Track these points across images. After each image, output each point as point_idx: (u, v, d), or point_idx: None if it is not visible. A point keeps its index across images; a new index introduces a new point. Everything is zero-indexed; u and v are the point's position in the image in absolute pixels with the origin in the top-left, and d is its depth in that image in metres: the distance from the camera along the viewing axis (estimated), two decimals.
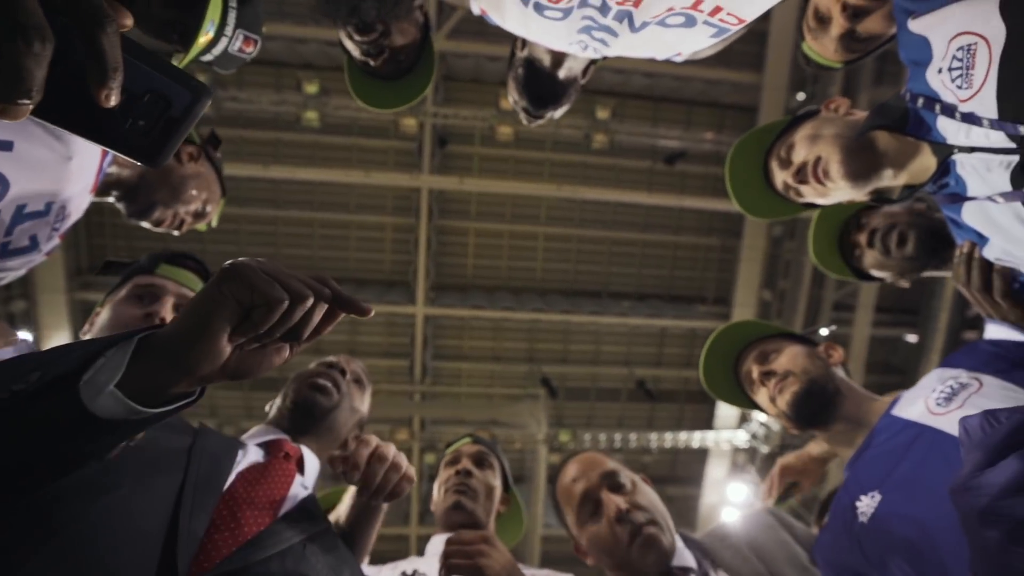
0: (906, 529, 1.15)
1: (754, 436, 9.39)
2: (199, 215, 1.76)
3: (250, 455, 1.17)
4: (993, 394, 1.22)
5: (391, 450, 1.22)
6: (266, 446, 1.24)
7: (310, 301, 0.69)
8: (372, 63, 1.61)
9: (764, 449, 9.23)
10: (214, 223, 1.89)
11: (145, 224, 1.71)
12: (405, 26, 1.56)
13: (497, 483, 1.88)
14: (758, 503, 1.94)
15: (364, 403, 1.59)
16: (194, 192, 1.72)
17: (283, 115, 7.92)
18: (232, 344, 0.69)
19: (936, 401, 1.28)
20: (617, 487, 1.52)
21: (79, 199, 1.35)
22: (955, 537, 0.85)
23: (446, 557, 1.31)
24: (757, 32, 7.40)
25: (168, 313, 1.35)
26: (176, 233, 1.79)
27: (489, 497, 1.82)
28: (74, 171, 1.24)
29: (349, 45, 1.60)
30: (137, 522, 0.87)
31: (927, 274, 1.87)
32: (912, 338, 9.11)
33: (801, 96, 8.00)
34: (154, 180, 1.63)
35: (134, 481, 0.88)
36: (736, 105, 8.51)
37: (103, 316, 1.38)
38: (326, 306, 0.71)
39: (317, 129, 8.07)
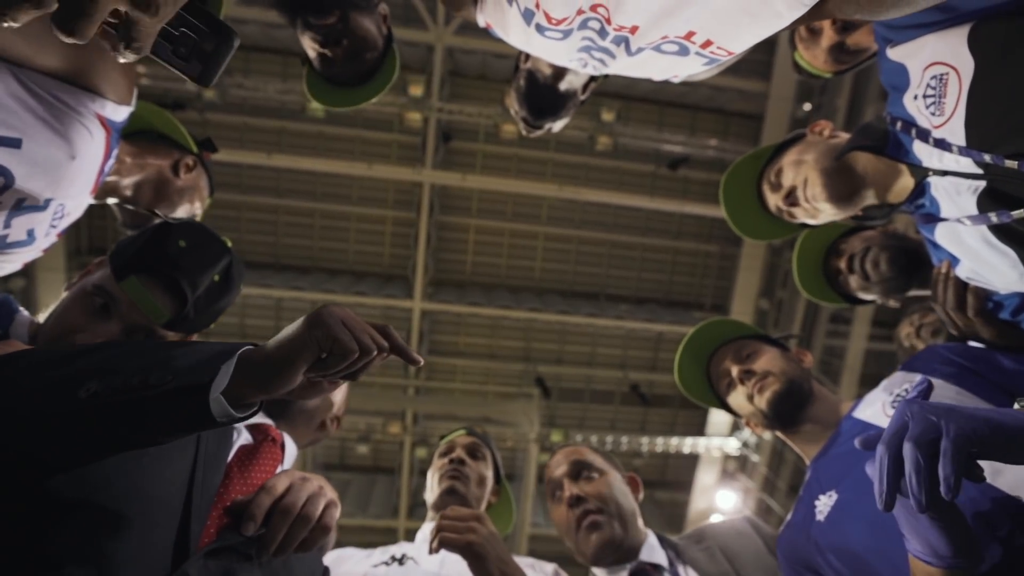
0: (856, 528, 1.19)
1: (745, 444, 9.41)
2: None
3: (242, 435, 1.18)
4: (943, 398, 1.25)
5: (301, 496, 0.99)
6: (252, 429, 1.24)
7: (374, 354, 0.84)
8: (329, 54, 1.61)
9: (755, 458, 9.25)
10: (198, 218, 1.93)
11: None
12: (362, 20, 1.59)
13: (489, 474, 1.94)
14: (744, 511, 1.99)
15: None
16: (187, 203, 1.77)
17: (288, 104, 7.91)
18: (304, 375, 0.84)
19: (892, 404, 1.33)
20: (577, 475, 1.68)
21: (79, 199, 1.38)
22: (898, 538, 0.89)
23: (437, 531, 1.33)
24: (766, 41, 7.37)
25: (115, 328, 1.28)
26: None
27: (481, 486, 1.88)
28: (76, 171, 1.27)
29: (306, 42, 1.62)
30: (160, 493, 0.90)
31: (912, 293, 1.91)
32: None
33: (807, 107, 8.01)
34: (151, 192, 1.65)
35: (157, 453, 0.93)
36: (742, 113, 8.52)
37: (63, 299, 1.37)
38: (385, 355, 0.87)
39: (321, 119, 8.06)
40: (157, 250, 1.34)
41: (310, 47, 1.63)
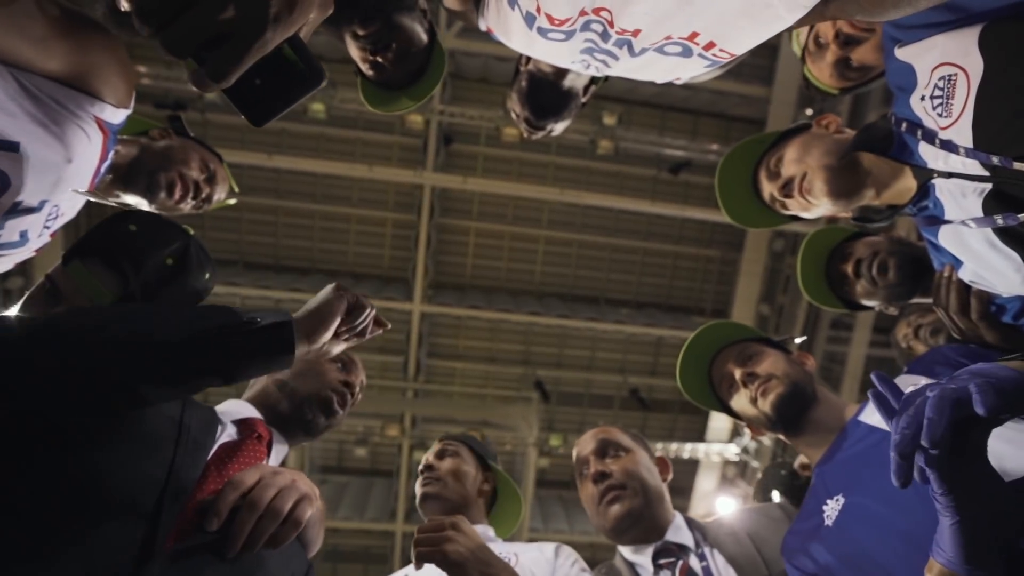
0: (865, 532, 1.18)
1: (745, 450, 9.39)
2: (209, 178, 1.73)
3: (227, 431, 1.17)
4: None
5: (270, 490, 0.97)
6: (239, 424, 1.22)
7: (373, 309, 1.25)
8: (380, 60, 1.62)
9: (755, 463, 9.23)
10: (235, 187, 1.87)
11: (162, 208, 1.68)
12: (406, 20, 1.60)
13: (466, 467, 1.91)
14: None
15: None
16: (183, 155, 1.69)
17: None
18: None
19: None
20: (603, 453, 1.73)
21: (73, 200, 1.38)
22: (908, 541, 0.87)
23: (415, 546, 1.31)
24: (769, 46, 7.39)
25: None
26: (193, 207, 1.74)
27: (458, 479, 1.86)
28: (72, 174, 1.27)
29: (355, 53, 1.63)
30: (127, 489, 0.90)
31: (915, 301, 1.90)
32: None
33: (809, 112, 7.99)
34: (140, 157, 1.63)
35: (134, 444, 0.94)
36: (743, 118, 8.53)
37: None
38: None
39: (323, 121, 8.06)
40: (103, 234, 1.37)
41: (360, 57, 1.65)
